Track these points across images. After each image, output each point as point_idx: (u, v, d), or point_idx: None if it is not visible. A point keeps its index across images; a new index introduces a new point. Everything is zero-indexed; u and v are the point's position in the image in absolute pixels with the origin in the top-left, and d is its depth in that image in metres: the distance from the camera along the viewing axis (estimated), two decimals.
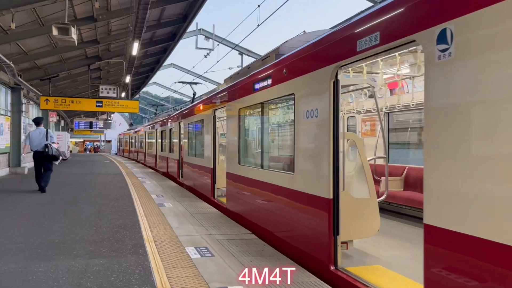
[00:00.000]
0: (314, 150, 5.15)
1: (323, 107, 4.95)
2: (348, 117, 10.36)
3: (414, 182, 8.05)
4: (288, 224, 5.89)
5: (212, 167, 10.76)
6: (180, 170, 16.35)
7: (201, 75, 30.41)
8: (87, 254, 5.55)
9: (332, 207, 4.79)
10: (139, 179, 17.13)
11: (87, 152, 67.13)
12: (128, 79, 19.71)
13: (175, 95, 56.05)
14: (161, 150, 21.46)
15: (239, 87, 8.44)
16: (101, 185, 14.30)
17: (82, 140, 71.36)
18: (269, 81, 6.71)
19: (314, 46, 5.25)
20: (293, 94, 5.80)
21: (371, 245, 5.83)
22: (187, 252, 5.66)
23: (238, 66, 24.05)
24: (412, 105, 7.87)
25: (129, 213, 8.72)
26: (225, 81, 11.22)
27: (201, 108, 12.10)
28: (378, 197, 5.65)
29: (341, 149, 4.84)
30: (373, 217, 5.24)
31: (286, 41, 7.57)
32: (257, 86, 7.32)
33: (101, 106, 19.62)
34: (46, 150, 11.89)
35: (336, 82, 4.80)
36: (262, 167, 7.09)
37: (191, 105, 14.90)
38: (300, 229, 5.52)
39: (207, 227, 7.40)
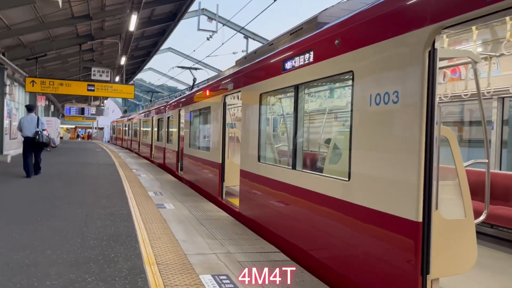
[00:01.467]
0: (390, 150, 3.64)
1: (409, 88, 3.44)
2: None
3: (504, 192, 6.12)
4: (339, 248, 4.39)
5: (220, 162, 9.23)
6: (179, 163, 14.81)
7: (200, 61, 28.70)
8: (65, 286, 4.02)
9: (421, 234, 3.30)
10: (133, 171, 15.56)
11: (79, 139, 65.22)
12: (123, 60, 18.02)
13: (170, 83, 54.27)
14: (158, 140, 19.86)
15: (261, 67, 6.89)
16: (91, 178, 12.72)
17: (73, 126, 69.32)
18: (309, 57, 5.16)
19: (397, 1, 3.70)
20: (350, 72, 4.28)
21: (465, 283, 4.34)
22: (203, 283, 4.15)
23: (243, 51, 22.43)
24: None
25: (123, 217, 7.18)
26: (237, 62, 9.65)
27: (207, 93, 10.52)
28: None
29: (435, 149, 3.34)
30: (469, 245, 3.75)
31: (326, 9, 6.02)
32: (288, 64, 5.77)
33: (93, 90, 17.92)
34: (37, 137, 11.87)
35: (432, 53, 3.28)
36: (294, 167, 5.58)
37: (194, 90, 13.30)
38: (360, 258, 4.04)
39: (221, 240, 5.90)
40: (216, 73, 17.58)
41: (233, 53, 23.16)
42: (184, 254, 5.11)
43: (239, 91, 8.05)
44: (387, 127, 3.69)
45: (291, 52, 5.72)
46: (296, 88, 5.60)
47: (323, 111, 8.38)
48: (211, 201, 9.56)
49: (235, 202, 8.43)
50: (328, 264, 4.59)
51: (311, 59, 5.13)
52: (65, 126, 62.08)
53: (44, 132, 12.19)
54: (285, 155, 6.84)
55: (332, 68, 4.66)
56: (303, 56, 5.35)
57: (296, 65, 5.54)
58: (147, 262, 4.74)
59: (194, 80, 21.02)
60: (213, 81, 10.45)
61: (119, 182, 12.03)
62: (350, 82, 4.32)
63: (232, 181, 9.85)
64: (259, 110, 6.83)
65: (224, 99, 9.12)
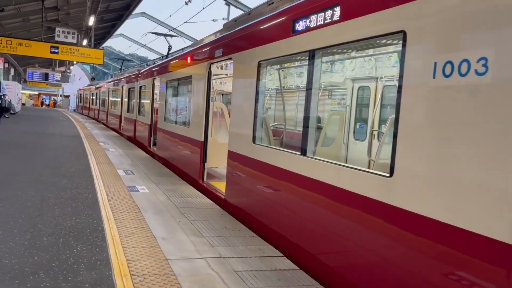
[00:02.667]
0: (468, 140, 2.62)
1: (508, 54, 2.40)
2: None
3: None
4: (376, 266, 3.39)
5: (202, 140, 8.06)
6: (152, 138, 13.50)
7: (175, 28, 26.87)
8: None
9: None
10: (100, 144, 14.15)
11: (43, 106, 61.87)
12: (91, 21, 16.23)
13: (141, 52, 51.79)
14: (128, 111, 18.34)
15: (262, 29, 5.72)
16: (52, 151, 11.28)
17: (37, 93, 65.67)
18: (334, 14, 4.04)
19: None
20: (400, 32, 3.20)
21: None
22: None
23: (223, 19, 20.89)
24: None
25: (87, 203, 5.97)
26: (225, 26, 8.39)
27: (189, 61, 9.23)
28: None
29: None
30: None
31: None
32: (301, 24, 4.63)
33: (57, 53, 16.10)
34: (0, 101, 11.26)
35: None
36: (304, 153, 4.51)
37: (172, 57, 11.92)
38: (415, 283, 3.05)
39: (209, 238, 4.82)
40: (193, 42, 16.14)
41: (213, 20, 21.61)
42: (165, 259, 4.01)
43: (229, 58, 6.85)
44: (465, 107, 2.65)
45: (306, 9, 4.57)
46: (311, 54, 4.48)
47: (346, 84, 7.26)
48: (190, 183, 8.43)
49: (219, 186, 7.34)
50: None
51: (336, 17, 4.00)
52: (27, 92, 58.72)
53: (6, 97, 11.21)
54: (290, 138, 5.79)
55: (369, 28, 3.57)
56: (323, 13, 4.22)
57: (313, 24, 4.41)
58: (117, 273, 3.61)
59: (170, 48, 19.45)
60: (196, 46, 9.15)
61: (84, 157, 10.67)
62: (400, 47, 3.26)
63: (215, 161, 8.73)
64: (257, 81, 5.68)
65: (210, 68, 7.89)
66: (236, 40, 6.59)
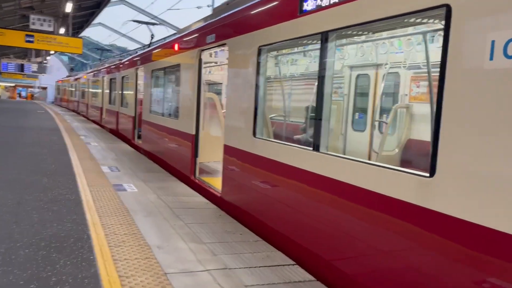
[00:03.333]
0: None
1: None
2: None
3: None
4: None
5: (193, 133, 7.50)
6: (136, 130, 12.85)
7: (156, 16, 25.95)
8: None
9: None
10: (81, 138, 13.43)
11: (19, 99, 59.91)
12: (69, 7, 15.32)
13: (121, 42, 50.40)
14: (110, 103, 17.56)
15: (262, 11, 5.17)
16: (30, 147, 10.55)
17: (13, 85, 63.53)
18: None
19: None
20: (443, 6, 2.71)
21: None
22: None
23: (208, 6, 20.15)
24: None
25: (70, 206, 5.38)
26: (215, 10, 7.79)
27: (176, 48, 8.61)
28: None
29: None
30: None
31: None
32: (310, 3, 4.11)
33: (32, 42, 15.18)
34: None
35: None
36: (317, 148, 4.02)
37: (157, 45, 11.23)
38: None
39: (210, 244, 4.31)
40: (178, 30, 15.41)
41: (197, 7, 20.83)
42: (163, 274, 3.48)
43: (224, 44, 6.28)
44: None
45: None
46: (324, 37, 3.96)
47: (368, 70, 6.71)
48: (180, 179, 7.88)
49: (214, 183, 6.82)
50: None
51: None
52: (3, 84, 56.78)
53: None
54: (306, 132, 5.30)
55: (398, 4, 3.07)
56: None
57: (325, 3, 3.89)
58: None
59: (152, 36, 18.68)
60: (185, 32, 8.52)
61: (64, 153, 9.98)
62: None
63: (207, 156, 8.20)
64: (257, 68, 5.15)
65: (200, 55, 7.30)
66: (231, 24, 6.02)
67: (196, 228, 4.83)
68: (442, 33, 2.83)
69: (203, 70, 7.51)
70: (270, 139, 5.07)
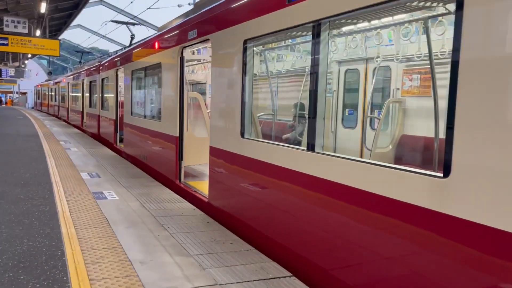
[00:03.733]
0: None
1: None
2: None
3: None
4: None
5: (177, 135, 7.10)
6: (118, 134, 12.37)
7: (136, 16, 25.38)
8: None
9: None
10: (61, 143, 12.89)
11: (2, 105, 58.41)
12: (43, 7, 14.73)
13: (101, 45, 49.56)
14: (90, 106, 17.00)
15: (248, 2, 4.81)
16: (4, 154, 10.01)
17: None
18: None
19: None
20: None
21: None
22: None
23: (189, 4, 19.70)
24: None
25: (44, 219, 4.95)
26: (197, 5, 7.41)
27: (157, 46, 8.20)
28: None
29: None
30: None
31: None
32: None
33: (7, 45, 14.56)
34: None
35: None
36: (311, 148, 3.68)
37: (136, 44, 10.78)
38: None
39: (198, 256, 3.93)
40: (155, 32, 14.91)
41: (178, 5, 20.35)
42: None
43: (207, 39, 5.91)
44: None
45: None
46: (317, 26, 3.62)
47: (363, 61, 6.39)
48: (165, 184, 7.48)
49: (200, 187, 6.45)
50: None
51: None
52: None
53: None
54: (290, 130, 4.95)
55: None
56: None
57: None
58: None
59: (132, 37, 18.15)
60: (165, 30, 8.11)
61: (42, 159, 9.48)
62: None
63: (192, 159, 7.82)
64: (243, 63, 4.79)
65: (182, 53, 6.91)
66: (214, 18, 5.65)
67: (182, 238, 4.45)
68: (447, 17, 2.53)
69: (185, 69, 7.13)
70: (260, 139, 4.72)
